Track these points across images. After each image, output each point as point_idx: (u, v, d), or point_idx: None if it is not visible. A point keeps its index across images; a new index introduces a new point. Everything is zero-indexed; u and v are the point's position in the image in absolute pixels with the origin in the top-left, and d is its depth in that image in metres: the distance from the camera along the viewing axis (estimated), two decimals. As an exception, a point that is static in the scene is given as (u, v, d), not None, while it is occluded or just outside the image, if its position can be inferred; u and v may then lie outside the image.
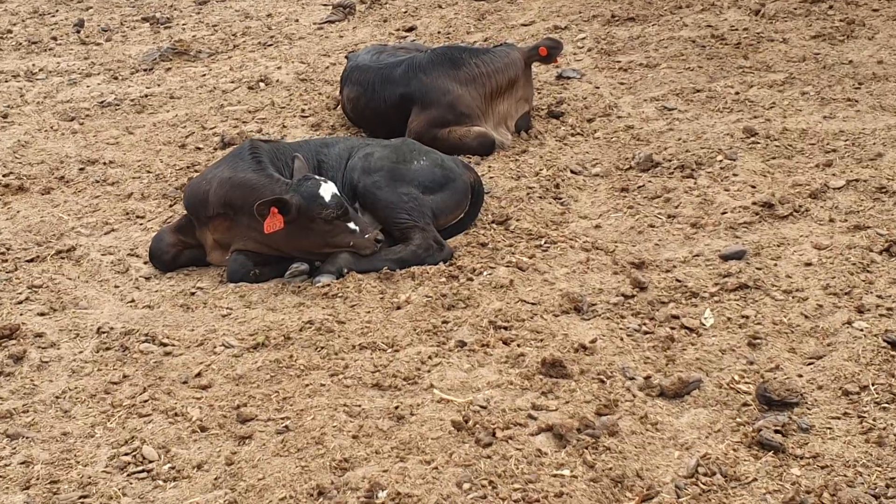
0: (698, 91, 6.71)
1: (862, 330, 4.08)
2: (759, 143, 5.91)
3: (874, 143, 5.77)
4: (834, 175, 5.44)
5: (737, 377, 3.87)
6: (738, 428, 3.59)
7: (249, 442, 3.70)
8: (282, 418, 3.81)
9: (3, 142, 6.93)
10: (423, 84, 6.08)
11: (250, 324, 4.51)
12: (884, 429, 3.50)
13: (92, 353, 4.37)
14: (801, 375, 3.84)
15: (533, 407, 3.75)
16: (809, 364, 3.92)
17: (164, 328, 4.53)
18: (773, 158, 5.73)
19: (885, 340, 3.99)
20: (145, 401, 3.99)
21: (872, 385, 3.75)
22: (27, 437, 3.84)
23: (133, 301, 4.82)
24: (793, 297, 4.37)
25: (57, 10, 10.01)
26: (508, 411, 3.73)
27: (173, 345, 4.39)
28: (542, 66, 6.41)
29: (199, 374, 4.15)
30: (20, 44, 9.04)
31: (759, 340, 4.08)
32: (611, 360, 4.01)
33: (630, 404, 3.73)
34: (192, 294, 4.84)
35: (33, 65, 8.43)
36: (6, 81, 8.15)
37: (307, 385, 3.99)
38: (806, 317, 4.23)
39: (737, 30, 7.69)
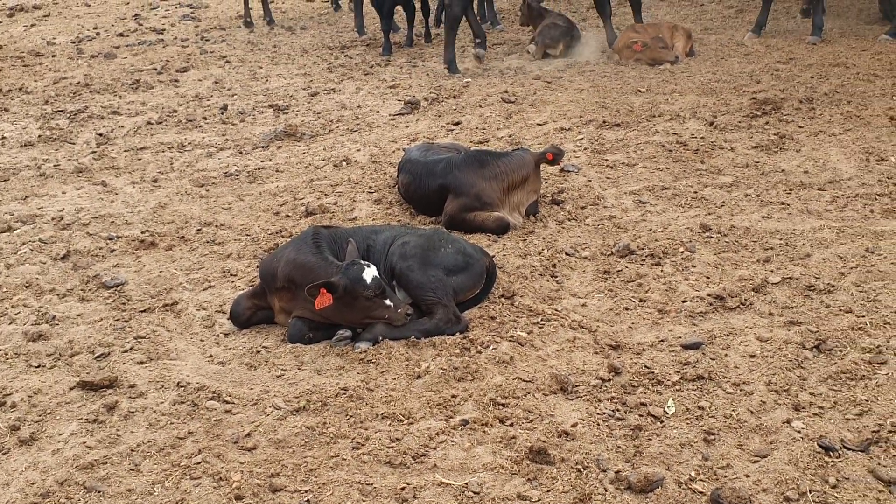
0: (665, 188, 6.09)
1: (799, 431, 3.46)
2: (712, 237, 5.27)
3: (803, 244, 5.09)
4: (772, 271, 4.76)
5: (693, 474, 3.22)
6: None
7: (277, 514, 2.91)
8: (306, 490, 3.21)
9: (148, 203, 6.38)
10: (457, 178, 5.61)
11: (298, 385, 3.91)
12: None
13: (169, 406, 3.82)
14: (748, 475, 3.18)
15: (518, 496, 3.04)
16: (755, 462, 3.31)
17: (229, 385, 3.98)
18: (724, 252, 5.06)
19: (819, 445, 3.31)
20: (198, 463, 3.34)
21: (810, 492, 3.00)
22: (99, 491, 3.17)
23: (211, 356, 4.23)
24: (740, 391, 3.78)
25: (212, 96, 9.53)
26: (498, 500, 3.03)
27: (233, 402, 3.83)
28: (549, 166, 5.71)
29: (248, 435, 3.52)
30: (180, 121, 8.59)
31: (712, 436, 3.48)
32: (588, 448, 3.40)
33: (601, 498, 3.07)
34: (258, 353, 4.23)
35: (185, 139, 7.98)
36: (163, 151, 7.66)
37: (332, 457, 3.42)
38: (751, 412, 3.58)
39: (695, 138, 7.11)
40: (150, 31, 13.61)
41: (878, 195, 5.59)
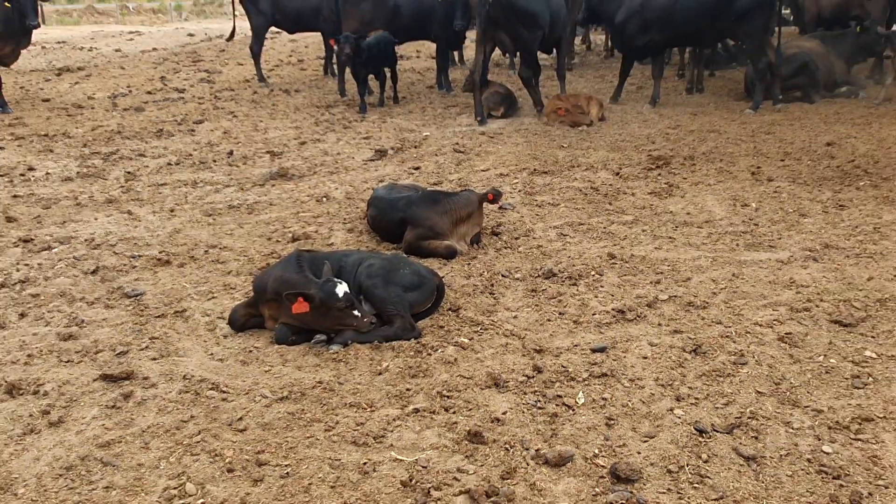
0: (581, 224, 6.09)
1: (679, 417, 3.44)
2: (616, 263, 5.26)
3: (685, 269, 5.11)
4: (661, 291, 4.78)
5: (597, 451, 3.18)
6: (596, 498, 2.81)
7: (260, 484, 2.87)
8: (286, 464, 3.06)
9: (165, 228, 6.21)
10: (414, 213, 5.54)
11: (282, 378, 3.82)
12: None
13: (176, 395, 3.68)
14: (639, 452, 3.16)
15: (458, 470, 2.96)
16: (645, 442, 3.30)
17: (226, 377, 3.85)
18: (625, 275, 5.07)
19: (695, 429, 3.27)
20: (198, 442, 3.22)
21: (687, 465, 2.96)
22: (114, 465, 3.03)
23: (212, 354, 4.11)
24: (635, 385, 3.74)
25: (221, 143, 9.30)
26: (441, 472, 2.95)
27: (229, 392, 3.70)
28: (490, 204, 5.63)
29: (240, 419, 3.41)
30: (194, 163, 8.35)
31: (612, 421, 3.44)
32: (514, 431, 3.37)
33: (524, 471, 2.98)
34: (250, 352, 4.12)
35: (198, 177, 7.77)
36: (179, 187, 7.45)
37: (308, 437, 3.31)
38: (643, 402, 3.60)
39: (605, 184, 7.13)
40: (174, 91, 13.39)
41: (742, 232, 5.67)
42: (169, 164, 8.21)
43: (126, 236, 5.92)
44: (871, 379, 3.61)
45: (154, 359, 3.96)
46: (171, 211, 6.60)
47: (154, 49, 20.65)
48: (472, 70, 10.34)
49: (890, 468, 2.97)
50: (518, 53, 9.82)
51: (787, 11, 17.12)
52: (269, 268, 4.63)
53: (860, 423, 3.26)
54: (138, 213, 6.52)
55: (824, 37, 11.64)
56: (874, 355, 3.82)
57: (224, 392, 3.59)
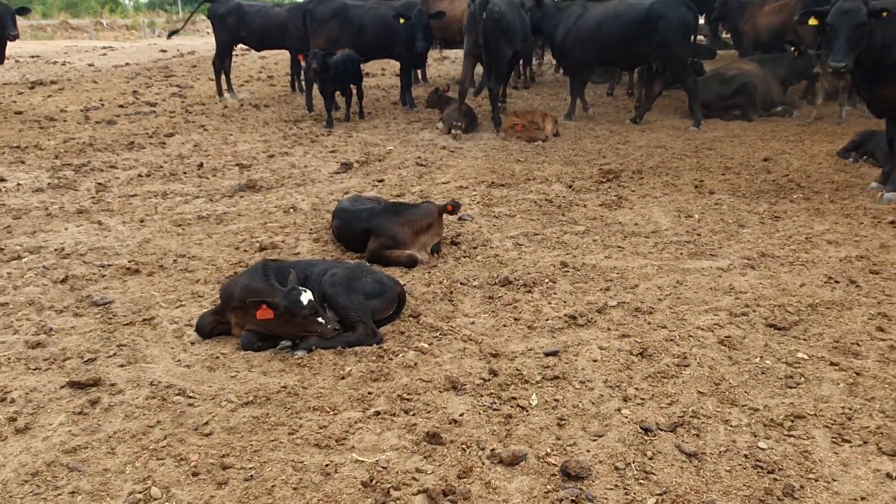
0: (536, 234, 6.12)
1: (626, 417, 3.45)
2: (569, 271, 5.29)
3: (633, 277, 5.18)
4: (610, 297, 4.83)
5: (549, 450, 3.19)
6: (547, 494, 2.83)
7: (225, 487, 2.82)
8: (250, 467, 3.00)
9: (135, 238, 6.07)
10: (377, 223, 5.51)
11: (247, 384, 3.74)
12: (641, 500, 2.84)
13: (143, 401, 3.59)
14: (589, 451, 3.17)
15: (416, 470, 2.94)
16: (594, 441, 3.31)
17: (192, 383, 3.75)
18: (577, 283, 5.10)
19: (641, 427, 3.32)
20: (163, 446, 3.12)
21: (633, 462, 2.98)
22: (80, 471, 2.92)
23: (179, 361, 4.01)
24: (585, 387, 3.74)
25: (191, 156, 9.15)
26: (400, 472, 2.92)
27: (195, 397, 3.61)
28: (449, 215, 5.63)
29: (206, 423, 3.33)
30: (165, 175, 8.20)
31: (564, 421, 3.44)
32: (471, 432, 3.34)
33: (480, 470, 2.97)
34: (217, 358, 4.04)
35: (168, 189, 7.62)
36: (150, 198, 7.30)
37: (272, 440, 3.23)
38: (592, 403, 3.60)
39: (559, 197, 7.19)
40: (145, 104, 13.15)
41: (686, 242, 5.77)
42: (140, 175, 8.04)
43: (96, 246, 5.77)
44: (802, 379, 3.69)
45: (122, 366, 3.86)
46: (141, 221, 6.46)
47: (127, 64, 20.30)
48: (461, 81, 10.56)
49: (819, 462, 3.04)
50: (492, 67, 10.02)
51: (728, 35, 17.55)
52: (236, 276, 4.55)
53: (793, 421, 3.32)
54: (108, 224, 6.37)
55: (762, 60, 11.94)
56: (806, 357, 3.91)
57: (190, 397, 3.51)
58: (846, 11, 6.16)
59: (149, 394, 3.55)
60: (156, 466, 2.96)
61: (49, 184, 7.61)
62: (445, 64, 20.74)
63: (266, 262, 4.33)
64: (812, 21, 6.77)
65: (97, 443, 3.14)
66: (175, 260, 5.48)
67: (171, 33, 16.56)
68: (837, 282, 4.92)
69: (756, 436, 3.21)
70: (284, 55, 17.94)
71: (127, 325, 4.39)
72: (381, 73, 18.05)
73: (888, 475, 2.95)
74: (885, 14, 6.06)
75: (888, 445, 3.12)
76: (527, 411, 3.42)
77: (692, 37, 10.48)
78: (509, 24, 9.66)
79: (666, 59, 10.46)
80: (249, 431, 3.23)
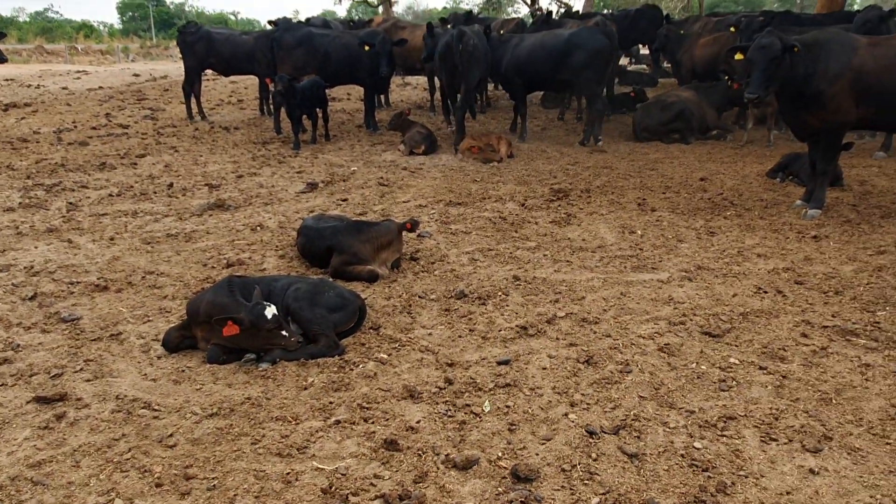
0: (490, 250, 6.12)
1: (573, 421, 3.46)
2: (521, 285, 5.31)
3: (580, 289, 5.22)
4: (559, 309, 4.86)
5: (500, 454, 3.17)
6: (498, 497, 2.83)
7: (188, 497, 2.75)
8: (213, 477, 2.92)
9: (104, 256, 5.93)
10: (340, 241, 5.47)
11: (212, 396, 3.67)
12: (586, 500, 2.86)
13: (108, 414, 3.49)
14: (538, 454, 3.16)
15: (374, 476, 2.89)
16: (543, 444, 3.31)
17: (158, 396, 3.65)
18: (528, 295, 5.11)
19: (586, 431, 3.32)
20: (128, 459, 3.03)
21: (579, 464, 2.99)
22: (44, 485, 2.82)
23: (145, 375, 3.92)
24: (535, 393, 3.75)
25: (162, 176, 8.96)
26: (359, 479, 2.88)
27: (160, 410, 3.52)
28: (408, 233, 5.62)
29: (170, 435, 3.23)
30: (135, 194, 8.01)
31: (514, 426, 3.43)
32: (427, 438, 3.33)
33: (435, 475, 2.95)
34: (183, 371, 3.95)
35: (138, 208, 7.45)
36: (120, 217, 7.13)
37: (235, 451, 3.15)
38: (541, 409, 3.62)
39: (512, 214, 7.22)
40: (118, 127, 12.88)
41: (630, 256, 5.85)
42: (110, 195, 7.86)
43: (65, 264, 5.61)
44: (734, 382, 3.76)
45: (88, 380, 3.75)
46: (111, 239, 6.31)
47: (100, 87, 19.88)
48: (457, 107, 11.04)
49: (749, 460, 3.10)
50: (461, 91, 10.65)
51: (668, 65, 17.98)
52: (202, 292, 4.46)
53: (725, 422, 3.38)
54: (78, 242, 6.21)
55: (698, 87, 12.24)
56: (737, 362, 3.99)
57: (155, 410, 3.43)
58: (762, 47, 6.41)
59: (114, 407, 3.45)
60: (120, 479, 2.88)
61: (20, 203, 7.38)
62: (408, 90, 20.80)
63: (231, 278, 4.25)
64: (738, 56, 7.02)
65: (62, 456, 3.04)
66: (143, 277, 5.36)
67: None
68: (766, 292, 5.05)
69: (692, 436, 3.27)
70: (254, 80, 17.79)
71: (94, 340, 4.27)
72: (347, 98, 18.00)
73: (811, 471, 3.02)
74: (796, 49, 6.30)
75: (811, 443, 3.19)
76: (480, 417, 3.42)
77: (607, 63, 10.94)
78: (481, 55, 10.38)
79: (582, 84, 10.83)
80: (213, 442, 3.16)
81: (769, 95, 6.63)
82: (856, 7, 45.08)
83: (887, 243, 6.06)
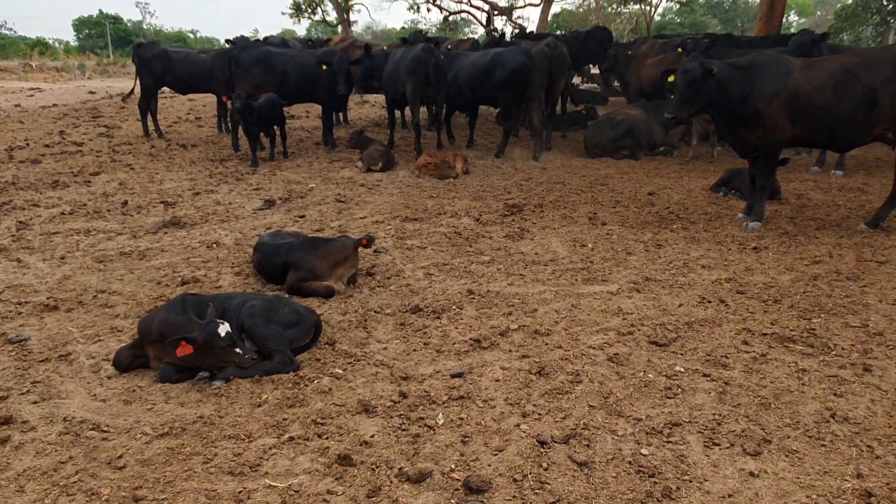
0: (445, 264, 6.12)
1: (525, 431, 3.46)
2: (475, 298, 5.31)
3: (533, 302, 5.24)
4: (512, 321, 4.87)
5: (453, 466, 3.15)
6: None
7: (136, 520, 2.60)
8: (163, 498, 2.84)
9: (55, 275, 5.74)
10: (296, 257, 5.40)
11: (164, 415, 3.57)
12: None
13: (55, 437, 3.36)
14: (490, 465, 3.15)
15: (328, 492, 2.85)
16: (495, 455, 3.29)
17: (108, 417, 3.54)
18: (482, 308, 5.12)
19: (537, 441, 3.34)
20: (75, 482, 2.92)
21: (530, 474, 2.99)
22: None
23: (95, 395, 3.80)
24: (488, 405, 3.75)
25: (116, 194, 8.74)
26: (312, 495, 2.83)
27: (109, 431, 3.40)
28: (364, 249, 5.60)
29: (119, 457, 3.12)
30: (88, 213, 7.79)
31: (468, 438, 3.42)
32: (381, 452, 3.29)
33: (388, 489, 2.91)
34: (134, 391, 3.85)
35: (91, 226, 7.24)
36: (72, 236, 6.92)
37: (186, 470, 3.06)
38: (494, 420, 3.61)
39: (467, 229, 7.23)
40: (72, 144, 12.53)
41: (581, 269, 5.92)
42: (62, 213, 7.63)
43: (13, 283, 5.42)
44: (679, 390, 3.83)
45: (35, 402, 3.61)
46: (62, 258, 6.11)
47: (54, 105, 19.35)
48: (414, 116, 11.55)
49: (693, 465, 3.15)
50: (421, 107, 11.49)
51: (618, 84, 18.39)
52: (154, 310, 4.35)
53: (671, 428, 3.44)
54: (28, 261, 5.99)
55: (646, 106, 12.55)
56: (682, 369, 4.07)
57: (104, 431, 3.32)
58: (685, 71, 6.79)
59: (62, 430, 3.33)
60: (66, 503, 2.77)
61: (-33, 222, 7.12)
62: (366, 107, 20.79)
63: (185, 296, 4.16)
64: (671, 78, 7.29)
65: (5, 481, 2.91)
66: (95, 296, 5.20)
67: (127, 95, 15.54)
68: (709, 301, 5.17)
69: (639, 443, 3.31)
70: (213, 98, 17.56)
71: (42, 361, 4.12)
72: (306, 116, 17.89)
73: (751, 473, 3.09)
74: (714, 72, 6.61)
75: (751, 446, 3.27)
76: (433, 430, 3.40)
77: (527, 82, 11.34)
78: (446, 71, 11.21)
79: (503, 100, 11.43)
80: (163, 463, 3.08)
81: (689, 116, 7.04)
82: (792, 30, 46.95)
83: (822, 253, 6.29)
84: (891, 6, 35.98)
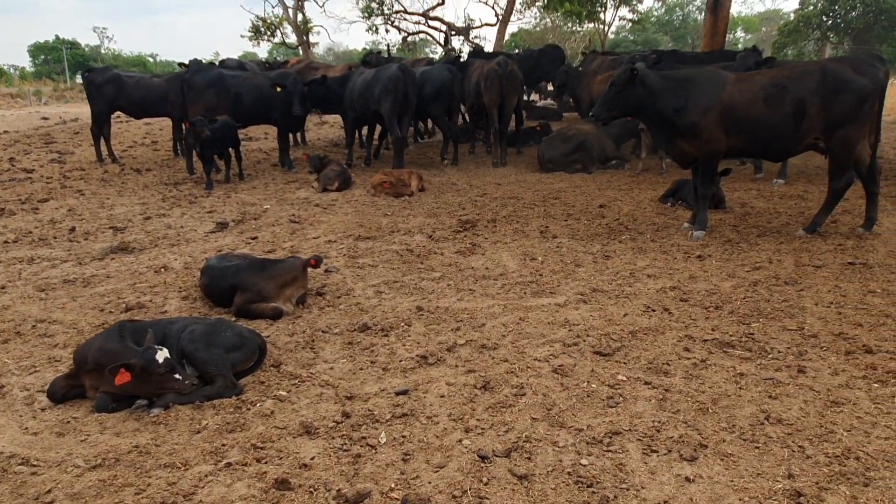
0: (396, 282, 6.09)
1: (467, 447, 3.43)
2: (424, 315, 5.28)
3: (481, 317, 5.23)
4: (460, 336, 4.85)
5: (393, 485, 3.09)
6: None
7: (59, 558, 2.49)
8: None
9: (-9, 304, 5.40)
10: (243, 279, 5.32)
11: (98, 446, 3.45)
12: None
13: None
14: (430, 482, 3.12)
15: None
16: (436, 472, 3.26)
17: (38, 451, 3.41)
18: (430, 325, 5.10)
19: (478, 456, 3.32)
20: None
21: (469, 490, 2.96)
22: None
23: (26, 428, 3.66)
24: (431, 422, 3.72)
25: (64, 220, 8.53)
26: None
27: (39, 465, 3.26)
28: (313, 269, 5.54)
29: (48, 491, 2.99)
30: (33, 240, 7.59)
31: (409, 456, 3.37)
32: (320, 474, 3.22)
33: None
34: (68, 423, 3.71)
35: (35, 254, 7.03)
36: (14, 264, 6.72)
37: (117, 502, 2.89)
38: (437, 436, 3.57)
39: (420, 246, 7.22)
40: (21, 171, 12.19)
41: (530, 282, 5.94)
42: (6, 242, 7.39)
43: (-51, 316, 5.22)
44: (621, 398, 3.85)
45: (-38, 439, 3.46)
46: (2, 288, 5.90)
47: (6, 132, 18.84)
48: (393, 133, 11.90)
49: (631, 472, 3.16)
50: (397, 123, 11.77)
51: (571, 100, 18.68)
52: (90, 339, 4.20)
53: (611, 437, 3.44)
54: (-34, 292, 5.79)
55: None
56: (625, 378, 4.09)
57: (34, 466, 3.18)
58: (614, 78, 7.26)
59: (-12, 466, 3.19)
60: (-16, 543, 2.65)
61: None
62: (325, 128, 20.74)
63: (122, 323, 4.04)
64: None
65: (-79, 524, 2.78)
66: (34, 325, 5.03)
67: None
68: (654, 310, 5.23)
69: (579, 453, 3.30)
70: (169, 121, 17.32)
71: (-27, 395, 3.96)
72: (265, 137, 17.75)
73: (687, 479, 3.10)
74: (636, 72, 6.96)
75: (688, 452, 3.29)
76: (375, 449, 3.34)
77: (452, 96, 12.29)
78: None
79: (432, 112, 12.57)
80: (94, 496, 2.96)
81: (612, 117, 7.36)
82: (739, 46, 48.45)
83: (762, 260, 6.43)
84: (830, 22, 37.46)
